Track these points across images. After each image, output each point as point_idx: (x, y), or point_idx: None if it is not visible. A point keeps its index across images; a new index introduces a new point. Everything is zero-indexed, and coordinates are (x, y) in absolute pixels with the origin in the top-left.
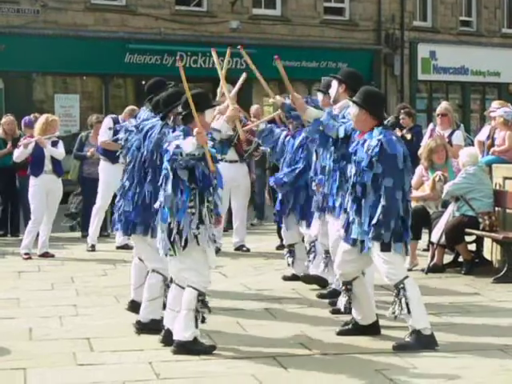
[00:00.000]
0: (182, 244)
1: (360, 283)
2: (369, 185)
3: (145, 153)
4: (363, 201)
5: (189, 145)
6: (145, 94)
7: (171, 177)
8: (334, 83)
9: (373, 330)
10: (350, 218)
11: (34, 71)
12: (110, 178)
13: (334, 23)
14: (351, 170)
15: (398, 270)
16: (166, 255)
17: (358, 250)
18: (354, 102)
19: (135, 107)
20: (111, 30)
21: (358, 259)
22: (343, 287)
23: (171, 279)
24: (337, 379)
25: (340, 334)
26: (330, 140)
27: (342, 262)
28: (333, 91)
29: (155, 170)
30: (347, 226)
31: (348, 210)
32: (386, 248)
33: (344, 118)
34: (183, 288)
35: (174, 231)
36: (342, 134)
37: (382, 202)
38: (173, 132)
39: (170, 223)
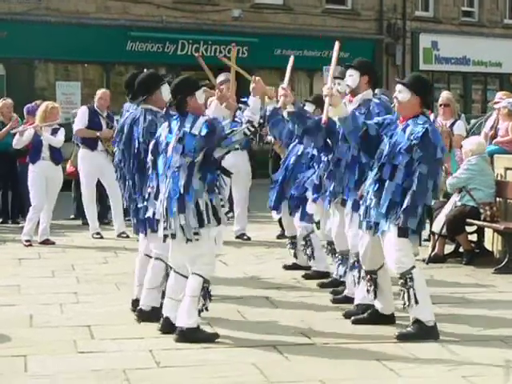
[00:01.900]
0: (216, 224)
1: (385, 272)
2: (400, 167)
3: (136, 145)
4: (387, 183)
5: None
6: (137, 90)
7: (200, 160)
8: (355, 73)
9: (390, 319)
10: (368, 201)
11: (35, 58)
12: (90, 166)
13: (336, 12)
14: (382, 151)
15: (408, 258)
16: (188, 241)
17: (371, 232)
18: (408, 86)
19: (106, 91)
20: (113, 18)
21: (379, 244)
22: (367, 276)
23: (170, 267)
24: (337, 368)
25: (355, 322)
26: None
27: (366, 251)
28: (353, 81)
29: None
30: (365, 211)
31: (368, 190)
32: (403, 234)
33: (368, 110)
34: (183, 276)
35: (205, 213)
36: (373, 132)
37: (414, 188)
38: (167, 120)
39: (197, 205)
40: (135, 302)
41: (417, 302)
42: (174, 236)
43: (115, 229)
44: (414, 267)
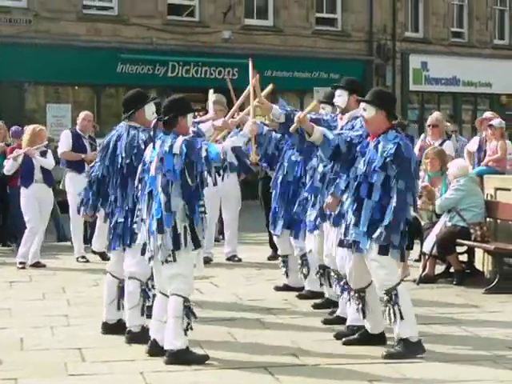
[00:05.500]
0: (193, 247)
1: (373, 289)
2: (377, 185)
3: (120, 160)
4: (365, 201)
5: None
6: (124, 108)
7: (179, 182)
8: (343, 93)
9: (381, 339)
10: (348, 220)
11: (25, 81)
12: (78, 189)
13: (326, 34)
14: (358, 170)
15: (392, 275)
16: (163, 262)
17: (352, 250)
18: (370, 103)
19: (89, 112)
20: (103, 40)
21: (364, 263)
22: (355, 295)
23: (152, 286)
24: None
25: (346, 343)
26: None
27: (351, 270)
28: (342, 101)
29: (134, 174)
30: (346, 230)
31: (347, 209)
32: (383, 251)
33: (353, 127)
34: (168, 297)
35: (183, 236)
36: (344, 150)
37: (394, 204)
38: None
39: (175, 228)
40: (104, 325)
41: (402, 317)
42: (152, 257)
43: (93, 246)
44: (399, 283)
